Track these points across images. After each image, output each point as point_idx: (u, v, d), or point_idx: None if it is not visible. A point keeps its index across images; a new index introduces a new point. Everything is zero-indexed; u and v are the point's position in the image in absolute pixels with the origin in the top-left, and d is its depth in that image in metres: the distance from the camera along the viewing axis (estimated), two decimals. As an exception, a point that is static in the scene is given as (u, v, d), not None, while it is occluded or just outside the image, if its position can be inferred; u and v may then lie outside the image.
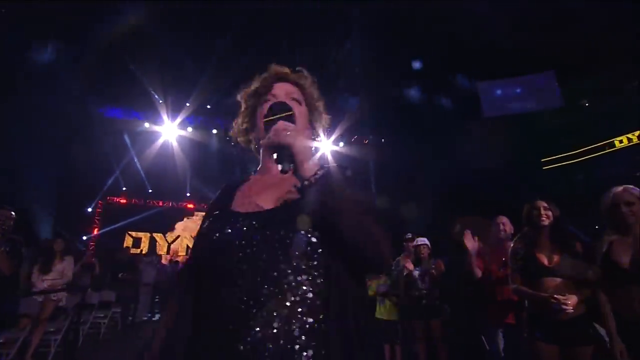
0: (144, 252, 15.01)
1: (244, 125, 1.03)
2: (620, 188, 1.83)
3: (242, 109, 1.03)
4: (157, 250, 16.49)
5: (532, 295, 2.01)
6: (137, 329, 6.31)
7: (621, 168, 12.53)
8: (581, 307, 1.89)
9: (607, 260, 1.73)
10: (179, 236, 17.93)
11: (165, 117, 15.37)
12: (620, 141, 13.57)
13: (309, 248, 0.70)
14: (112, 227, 15.95)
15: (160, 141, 16.19)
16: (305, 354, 0.62)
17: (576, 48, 12.10)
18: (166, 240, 17.77)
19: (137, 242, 16.71)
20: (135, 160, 15.88)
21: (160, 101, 14.66)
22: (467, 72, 14.22)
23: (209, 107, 16.56)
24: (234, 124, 1.06)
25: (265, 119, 0.81)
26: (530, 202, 2.26)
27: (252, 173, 1.02)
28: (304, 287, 0.67)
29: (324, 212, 0.68)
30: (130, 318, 6.33)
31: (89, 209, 16.28)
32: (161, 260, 10.20)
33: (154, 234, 17.50)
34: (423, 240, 3.89)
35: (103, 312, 5.93)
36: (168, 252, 17.06)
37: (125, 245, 15.33)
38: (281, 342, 0.62)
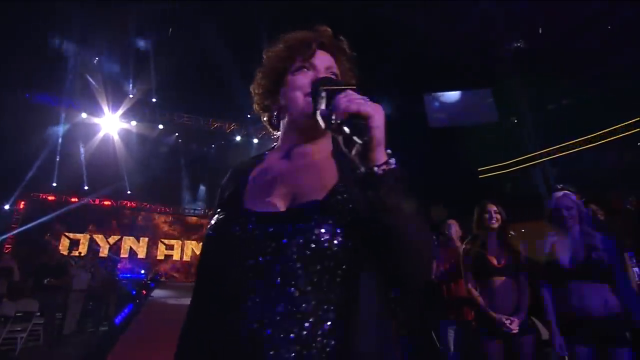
0: (82, 254, 13.53)
1: (262, 89, 0.83)
2: (561, 194, 2.03)
3: (265, 68, 0.82)
4: (99, 253, 15.01)
5: (484, 310, 2.14)
6: (64, 344, 5.60)
7: (540, 180, 14.25)
8: (522, 316, 2.07)
9: (549, 259, 1.91)
10: (121, 237, 16.61)
11: (105, 108, 14.08)
12: (545, 154, 15.38)
13: (336, 258, 0.60)
14: (33, 226, 14.06)
15: (100, 134, 14.86)
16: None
17: (508, 68, 13.51)
18: (107, 241, 16.32)
19: (74, 244, 15.03)
20: (70, 153, 14.37)
21: (99, 89, 13.42)
22: (413, 84, 15.11)
23: (154, 100, 15.59)
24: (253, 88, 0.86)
25: (329, 87, 0.64)
26: (481, 206, 2.41)
27: (265, 153, 0.85)
28: (326, 305, 0.58)
29: (372, 213, 0.57)
30: (55, 331, 5.63)
31: (6, 207, 14.28)
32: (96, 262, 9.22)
33: (94, 235, 15.94)
34: None
35: (21, 324, 5.19)
36: (86, 255, 15.64)
37: (60, 247, 13.69)
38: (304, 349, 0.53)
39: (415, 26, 11.45)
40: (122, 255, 15.65)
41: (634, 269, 2.04)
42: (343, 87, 0.62)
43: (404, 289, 0.63)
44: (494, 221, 2.31)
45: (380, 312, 0.60)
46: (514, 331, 2.00)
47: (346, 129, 0.56)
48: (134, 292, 10.28)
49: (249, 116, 18.23)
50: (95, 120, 14.51)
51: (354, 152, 0.58)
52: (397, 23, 11.26)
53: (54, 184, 15.13)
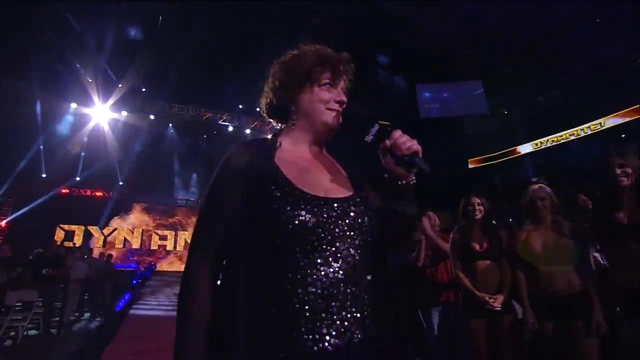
0: (77, 245, 13.52)
1: (281, 84, 0.92)
2: (536, 186, 2.23)
3: (287, 72, 0.91)
4: (93, 244, 15.00)
5: (470, 290, 2.34)
6: (66, 332, 5.74)
7: (529, 170, 14.57)
8: (504, 294, 2.27)
9: (525, 247, 2.12)
10: (116, 229, 16.55)
11: (95, 98, 13.87)
12: (536, 145, 15.70)
13: (370, 233, 0.83)
14: (26, 217, 13.98)
15: (91, 125, 14.66)
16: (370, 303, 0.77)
17: (499, 61, 13.69)
18: (102, 233, 16.27)
19: (69, 236, 15.01)
20: (60, 144, 14.17)
21: (90, 80, 13.18)
22: (406, 75, 15.21)
23: (144, 89, 15.40)
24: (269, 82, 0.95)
25: (381, 122, 0.86)
26: (466, 198, 2.61)
27: (275, 142, 0.92)
28: (365, 264, 0.80)
29: (397, 204, 0.85)
30: (56, 319, 5.75)
31: (-4, 198, 14.11)
32: (92, 253, 9.27)
33: (89, 227, 15.85)
34: None
35: (22, 314, 5.30)
36: (104, 246, 15.61)
37: (56, 238, 13.63)
38: (362, 304, 0.75)
39: (407, 18, 11.52)
40: (116, 246, 15.65)
41: (594, 254, 2.26)
42: (386, 123, 0.87)
43: (400, 248, 1.02)
44: (477, 212, 2.51)
45: (393, 266, 0.88)
46: (497, 308, 2.20)
47: (406, 160, 0.83)
48: (135, 282, 10.40)
49: (240, 107, 18.18)
50: (86, 110, 14.29)
51: (397, 170, 0.85)
52: (390, 14, 11.32)
53: (44, 175, 14.98)
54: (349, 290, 0.73)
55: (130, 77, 13.32)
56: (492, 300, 2.22)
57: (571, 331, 1.84)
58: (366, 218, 0.82)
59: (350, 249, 0.77)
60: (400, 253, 2.99)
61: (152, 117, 15.47)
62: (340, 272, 0.73)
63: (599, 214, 1.90)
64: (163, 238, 17.62)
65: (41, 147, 14.22)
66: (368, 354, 0.72)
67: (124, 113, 15.51)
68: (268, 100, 0.95)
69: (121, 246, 15.92)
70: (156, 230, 17.50)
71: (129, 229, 16.75)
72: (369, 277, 0.78)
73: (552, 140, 15.06)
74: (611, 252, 1.85)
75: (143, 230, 17.09)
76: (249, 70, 11.64)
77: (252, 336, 0.69)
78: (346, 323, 0.70)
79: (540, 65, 13.20)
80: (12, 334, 5.06)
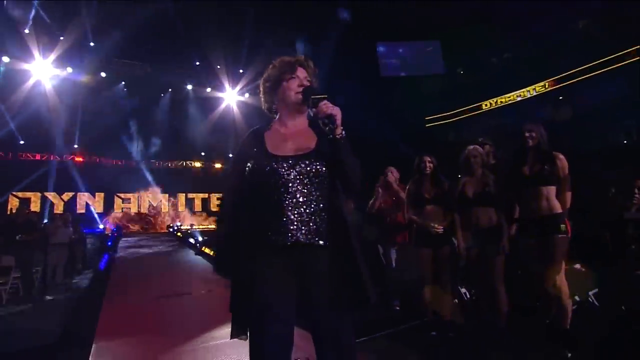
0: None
1: (268, 91, 1.38)
2: (471, 147, 2.81)
3: (267, 80, 1.38)
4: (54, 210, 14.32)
5: (419, 223, 2.95)
6: (53, 292, 5.88)
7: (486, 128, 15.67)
8: (444, 225, 2.90)
9: (461, 194, 2.73)
10: (75, 194, 15.87)
11: (36, 53, 12.54)
12: (486, 105, 16.81)
13: (322, 177, 1.22)
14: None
15: (30, 82, 13.32)
16: (319, 223, 1.20)
17: (457, 23, 14.11)
18: (61, 198, 15.55)
19: (24, 203, 14.20)
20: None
21: (26, 31, 11.72)
22: (367, 33, 15.21)
23: (92, 44, 14.10)
24: (260, 89, 1.43)
25: (314, 96, 1.24)
26: (419, 156, 3.16)
27: (269, 125, 1.39)
28: (321, 197, 1.22)
29: (336, 155, 1.21)
30: (37, 283, 5.89)
31: None
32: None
33: (46, 193, 15.04)
34: None
35: (2, 278, 5.40)
36: (65, 212, 15.01)
37: (10, 206, 12.88)
38: (309, 222, 1.19)
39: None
40: (79, 211, 15.17)
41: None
42: (321, 97, 1.23)
43: (350, 190, 1.29)
44: (427, 169, 3.07)
45: (344, 203, 1.29)
46: (439, 230, 2.81)
47: (325, 121, 1.20)
48: (110, 243, 10.46)
49: (197, 64, 17.32)
50: (25, 66, 12.92)
51: (327, 129, 1.21)
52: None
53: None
54: (296, 211, 1.18)
55: (75, 29, 12.13)
56: (436, 227, 2.84)
57: (487, 253, 2.53)
58: (314, 166, 1.21)
59: (299, 186, 1.19)
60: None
61: (103, 74, 14.36)
62: (293, 200, 1.19)
63: (510, 167, 2.53)
64: (126, 201, 17.29)
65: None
66: (309, 251, 1.18)
67: (69, 69, 14.27)
68: (263, 103, 1.44)
69: (83, 211, 15.46)
70: (118, 194, 17.08)
71: (89, 193, 16.25)
72: (321, 205, 1.21)
73: (501, 101, 16.19)
74: (517, 195, 2.50)
75: (104, 193, 16.60)
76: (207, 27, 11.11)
77: (246, 229, 1.22)
78: (293, 228, 1.16)
79: (494, 27, 13.79)
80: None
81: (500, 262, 2.51)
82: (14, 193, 14.39)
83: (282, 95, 1.34)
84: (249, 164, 1.26)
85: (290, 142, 1.30)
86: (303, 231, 1.17)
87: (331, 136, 1.20)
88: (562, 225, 2.24)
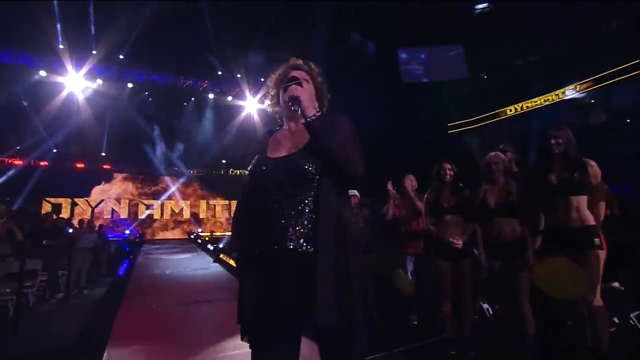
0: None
1: (273, 100, 1.43)
2: (493, 153, 2.65)
3: (271, 91, 1.44)
4: (81, 215, 14.96)
5: (439, 237, 2.80)
6: (77, 296, 6.06)
7: (507, 135, 15.13)
8: (465, 237, 2.74)
9: (482, 202, 2.57)
10: (102, 200, 16.57)
11: (69, 66, 13.24)
12: (511, 110, 16.22)
13: (309, 176, 1.18)
14: (5, 191, 13.71)
15: (64, 93, 14.06)
16: (307, 225, 1.15)
17: (480, 25, 13.77)
18: (89, 204, 16.26)
19: (56, 209, 14.89)
20: (32, 115, 13.61)
21: (61, 46, 12.45)
22: (388, 40, 15.09)
23: (122, 57, 14.76)
24: (266, 101, 1.48)
25: (283, 85, 1.27)
26: (438, 164, 3.02)
27: (277, 129, 1.45)
28: (309, 197, 1.18)
29: (318, 140, 1.18)
30: (61, 287, 6.08)
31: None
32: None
33: (76, 199, 15.83)
34: (353, 192, 4.52)
35: (30, 281, 5.59)
36: (92, 217, 15.62)
37: (43, 211, 13.55)
38: (295, 225, 1.15)
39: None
40: (105, 216, 15.75)
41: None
42: (289, 84, 1.25)
43: (347, 174, 1.20)
44: (447, 177, 2.93)
45: (335, 200, 1.22)
46: (458, 245, 2.65)
47: (290, 104, 1.23)
48: (127, 249, 10.75)
49: (220, 73, 17.76)
50: (60, 79, 13.66)
51: (298, 112, 1.22)
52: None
53: (17, 148, 14.53)
54: (283, 214, 1.15)
55: (106, 43, 12.73)
56: (455, 241, 2.68)
57: (511, 267, 2.35)
58: (303, 164, 1.18)
59: (288, 188, 1.17)
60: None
61: (130, 85, 14.96)
62: (281, 202, 1.17)
63: (536, 175, 2.35)
64: (150, 207, 17.79)
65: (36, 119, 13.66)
66: (295, 257, 1.12)
67: (99, 81, 14.95)
68: (271, 112, 1.48)
69: (109, 216, 16.05)
70: (142, 201, 17.61)
71: (115, 199, 16.83)
72: (311, 207, 1.16)
73: (527, 106, 15.58)
74: (542, 205, 2.31)
75: (129, 200, 17.17)
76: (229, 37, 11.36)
77: (247, 230, 1.23)
78: (279, 232, 1.14)
79: (519, 30, 13.37)
80: (23, 300, 5.31)
81: (526, 277, 2.32)
82: (47, 198, 15.11)
83: (282, 103, 1.38)
84: (249, 168, 1.31)
85: (286, 143, 1.31)
86: (289, 235, 1.14)
87: (304, 120, 1.19)
88: (597, 239, 2.03)
